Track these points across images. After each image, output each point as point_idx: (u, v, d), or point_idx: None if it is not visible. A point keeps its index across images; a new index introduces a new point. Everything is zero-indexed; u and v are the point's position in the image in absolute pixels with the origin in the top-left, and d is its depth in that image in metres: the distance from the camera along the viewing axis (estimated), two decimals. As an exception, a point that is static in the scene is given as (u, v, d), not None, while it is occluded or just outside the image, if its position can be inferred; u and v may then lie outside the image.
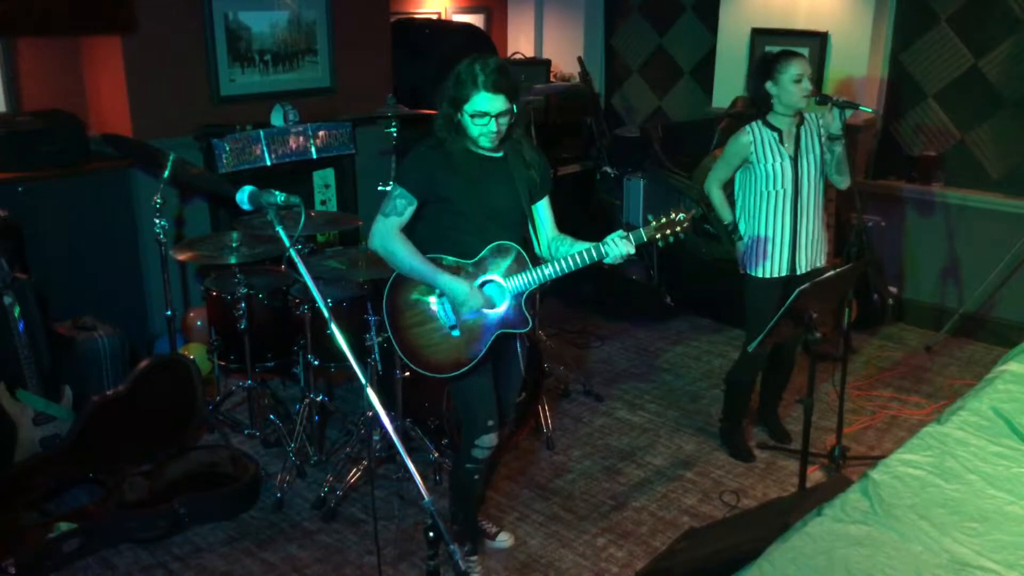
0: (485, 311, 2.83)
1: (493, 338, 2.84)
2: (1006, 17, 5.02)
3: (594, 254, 2.77)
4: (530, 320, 2.87)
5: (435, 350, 2.85)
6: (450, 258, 2.83)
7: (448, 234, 2.83)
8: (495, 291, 2.85)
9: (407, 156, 2.86)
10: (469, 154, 2.78)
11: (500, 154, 2.84)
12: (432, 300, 2.85)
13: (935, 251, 5.41)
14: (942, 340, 5.21)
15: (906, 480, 2.48)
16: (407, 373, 3.61)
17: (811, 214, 3.70)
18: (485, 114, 2.68)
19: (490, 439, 2.95)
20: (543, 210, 2.98)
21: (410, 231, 2.85)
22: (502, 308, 2.84)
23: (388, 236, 2.81)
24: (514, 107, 2.72)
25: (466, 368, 2.84)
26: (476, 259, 2.83)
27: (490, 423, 2.94)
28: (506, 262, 2.83)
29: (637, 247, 2.76)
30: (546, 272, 2.80)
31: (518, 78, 2.92)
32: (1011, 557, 2.15)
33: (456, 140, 2.76)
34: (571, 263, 2.79)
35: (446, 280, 2.78)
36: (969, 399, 2.95)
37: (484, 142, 2.75)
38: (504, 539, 3.37)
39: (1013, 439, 2.70)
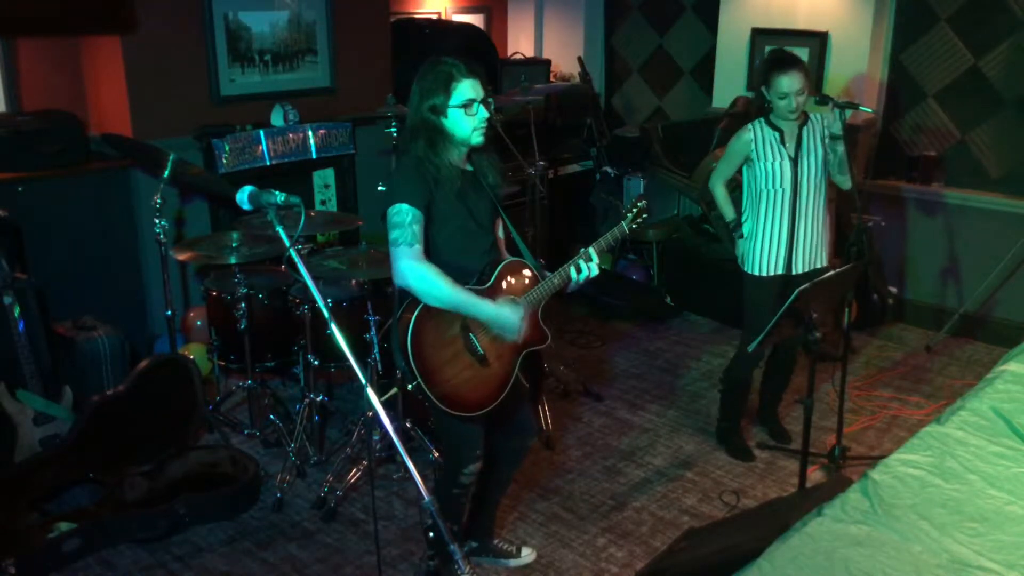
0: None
1: (520, 359, 2.75)
2: (1006, 17, 5.02)
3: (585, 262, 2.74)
4: (548, 334, 2.80)
5: (473, 386, 2.66)
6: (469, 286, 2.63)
7: (445, 258, 2.63)
8: None
9: (397, 173, 2.68)
10: (451, 168, 2.62)
11: (471, 167, 2.72)
12: (462, 332, 2.65)
13: (935, 251, 5.40)
14: (942, 340, 5.21)
15: (906, 480, 2.48)
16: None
17: (810, 215, 3.70)
18: (472, 101, 2.56)
19: (476, 467, 2.84)
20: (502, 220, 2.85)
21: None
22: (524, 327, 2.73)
23: (421, 268, 2.52)
24: (490, 100, 2.62)
25: (504, 395, 2.71)
26: (490, 283, 2.68)
27: (477, 452, 2.82)
28: (522, 279, 2.74)
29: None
30: (555, 281, 2.72)
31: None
32: (1011, 557, 2.15)
33: (442, 153, 2.60)
34: (572, 268, 2.73)
35: (494, 311, 2.60)
36: (969, 399, 2.95)
37: (477, 138, 2.62)
38: (527, 553, 3.29)
39: (1013, 439, 2.70)
